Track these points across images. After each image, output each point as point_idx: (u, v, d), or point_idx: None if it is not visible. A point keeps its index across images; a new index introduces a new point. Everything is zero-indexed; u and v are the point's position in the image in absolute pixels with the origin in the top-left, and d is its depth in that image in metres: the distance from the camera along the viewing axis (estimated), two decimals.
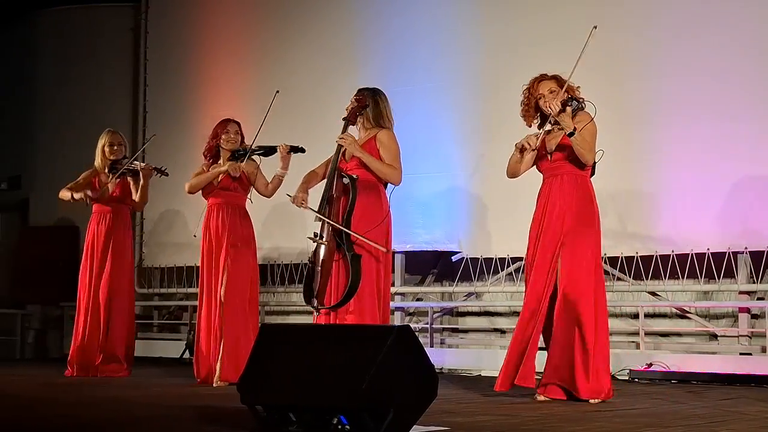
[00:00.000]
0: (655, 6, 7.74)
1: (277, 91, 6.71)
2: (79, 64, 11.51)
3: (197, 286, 7.25)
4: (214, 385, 6.80)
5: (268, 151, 6.91)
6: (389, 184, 6.21)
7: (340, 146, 6.08)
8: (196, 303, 7.26)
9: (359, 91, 6.28)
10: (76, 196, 7.76)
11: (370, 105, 6.19)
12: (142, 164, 7.69)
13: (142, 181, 7.68)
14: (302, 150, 6.69)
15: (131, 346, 7.84)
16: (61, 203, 8.02)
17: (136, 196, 7.76)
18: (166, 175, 7.69)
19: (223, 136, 7.07)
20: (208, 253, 7.07)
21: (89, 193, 7.75)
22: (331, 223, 5.92)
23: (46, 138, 11.43)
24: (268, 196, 7.09)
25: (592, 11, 8.05)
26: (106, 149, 7.83)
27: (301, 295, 6.20)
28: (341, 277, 5.96)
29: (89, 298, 7.72)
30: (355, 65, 9.18)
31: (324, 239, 5.98)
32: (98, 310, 7.66)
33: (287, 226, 9.13)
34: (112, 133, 7.91)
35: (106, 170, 7.82)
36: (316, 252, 6.02)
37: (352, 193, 5.97)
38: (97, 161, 7.89)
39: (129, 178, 7.78)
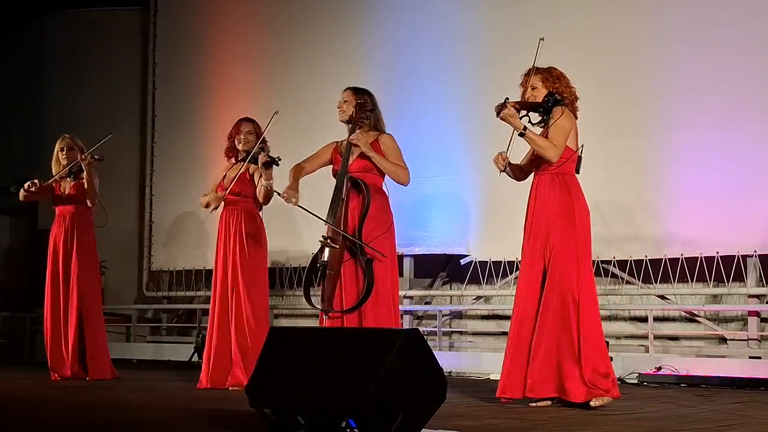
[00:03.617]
0: (664, 12, 7.72)
1: (276, 112, 6.72)
2: (88, 67, 11.53)
3: (207, 290, 7.26)
4: (229, 388, 6.81)
5: (269, 163, 6.89)
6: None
7: (349, 146, 6.07)
8: (205, 306, 7.26)
9: (356, 91, 6.26)
10: (25, 185, 7.69)
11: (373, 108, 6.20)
12: (81, 156, 7.65)
13: (85, 174, 7.62)
14: (275, 163, 6.63)
15: (106, 347, 7.80)
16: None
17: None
18: (102, 160, 7.70)
19: (236, 137, 7.10)
20: (218, 258, 7.12)
21: (36, 181, 7.68)
22: (338, 230, 5.92)
23: (55, 141, 11.44)
24: (262, 203, 7.10)
25: (600, 17, 8.06)
26: (60, 155, 7.83)
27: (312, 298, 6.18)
28: (351, 281, 5.95)
29: (59, 303, 7.67)
30: (363, 69, 9.17)
31: (336, 243, 5.97)
32: (71, 315, 7.61)
33: (296, 229, 9.14)
34: (62, 139, 7.86)
35: (64, 176, 7.80)
36: (326, 255, 5.99)
37: (366, 198, 5.98)
38: (54, 168, 7.86)
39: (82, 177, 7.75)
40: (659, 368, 7.30)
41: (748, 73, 7.35)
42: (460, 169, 8.61)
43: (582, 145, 5.53)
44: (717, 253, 7.36)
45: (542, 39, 5.56)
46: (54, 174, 7.82)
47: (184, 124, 10.65)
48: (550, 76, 5.66)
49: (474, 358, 8.46)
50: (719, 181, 7.38)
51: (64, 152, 7.81)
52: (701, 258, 7.43)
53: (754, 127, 7.29)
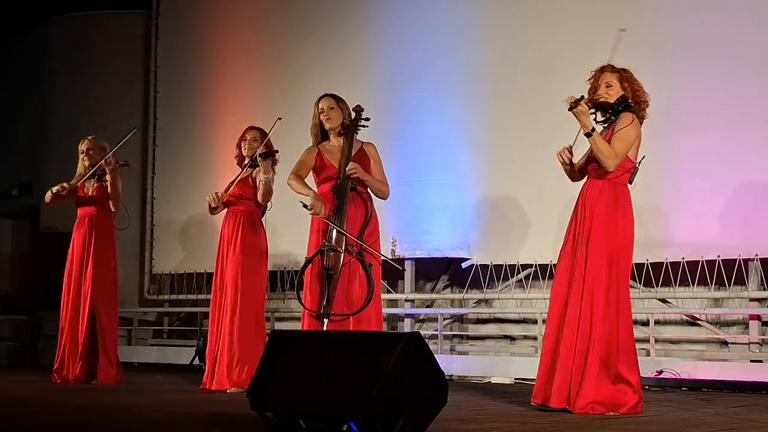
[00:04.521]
0: (666, 18, 7.72)
1: (279, 118, 6.77)
2: (90, 71, 11.53)
3: (208, 293, 7.28)
4: (228, 391, 6.83)
5: (265, 155, 6.99)
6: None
7: (348, 155, 6.13)
8: (206, 309, 7.27)
9: (338, 98, 6.30)
10: (54, 189, 7.64)
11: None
12: (105, 160, 7.62)
13: (109, 179, 7.61)
14: (271, 155, 6.77)
15: (116, 352, 7.76)
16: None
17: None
18: (127, 165, 7.71)
19: (242, 144, 7.20)
20: (218, 261, 7.18)
21: (65, 185, 7.64)
22: (353, 237, 5.99)
23: (57, 144, 11.44)
24: (261, 202, 7.13)
25: (603, 23, 8.04)
26: (81, 157, 7.82)
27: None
28: (352, 285, 6.03)
29: (72, 304, 7.63)
30: (366, 74, 9.19)
31: (339, 249, 6.03)
32: (83, 317, 7.57)
33: (298, 232, 9.13)
34: (84, 141, 7.85)
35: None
36: (331, 260, 6.04)
37: (371, 207, 6.14)
38: (78, 167, 7.85)
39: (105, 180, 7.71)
40: (660, 372, 7.30)
41: (749, 77, 7.35)
42: (463, 173, 8.61)
43: (643, 156, 5.39)
44: (718, 256, 7.36)
45: (623, 30, 5.37)
46: (77, 175, 7.80)
47: (185, 128, 10.65)
48: (627, 76, 5.46)
49: (475, 361, 8.46)
50: (720, 184, 7.38)
51: (84, 153, 7.79)
52: (702, 261, 7.43)
53: (755, 131, 7.29)
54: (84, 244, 7.68)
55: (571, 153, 5.50)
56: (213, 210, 7.24)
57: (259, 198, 7.06)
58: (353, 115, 6.25)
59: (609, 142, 5.36)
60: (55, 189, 7.66)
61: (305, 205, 6.08)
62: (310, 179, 6.40)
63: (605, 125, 5.48)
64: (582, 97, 5.34)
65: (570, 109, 5.29)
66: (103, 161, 7.59)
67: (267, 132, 7.05)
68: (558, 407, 5.29)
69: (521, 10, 8.51)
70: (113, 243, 7.78)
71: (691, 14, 7.63)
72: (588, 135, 5.30)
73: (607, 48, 7.92)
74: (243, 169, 7.10)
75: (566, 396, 5.29)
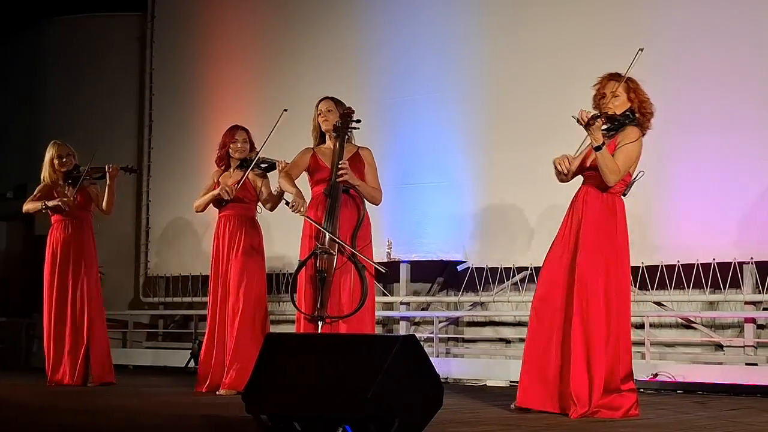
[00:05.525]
0: (660, 18, 7.73)
1: (285, 110, 6.73)
2: (86, 73, 11.53)
3: (203, 295, 7.25)
4: (222, 393, 6.80)
5: (269, 167, 6.94)
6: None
7: (340, 156, 6.10)
8: (201, 312, 7.25)
9: (337, 101, 6.31)
10: (51, 203, 7.55)
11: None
12: (109, 166, 7.55)
13: (108, 182, 7.53)
14: (273, 167, 6.69)
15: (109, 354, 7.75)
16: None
17: (103, 201, 7.60)
18: (135, 172, 7.64)
19: (231, 145, 7.10)
20: (216, 264, 7.11)
21: (64, 198, 7.53)
22: (340, 242, 6.00)
23: None
24: (270, 210, 7.12)
25: (597, 24, 8.06)
26: (56, 162, 7.65)
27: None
28: (344, 288, 6.03)
29: (62, 309, 7.56)
30: (361, 75, 9.19)
31: (332, 251, 6.04)
32: (80, 321, 7.52)
33: (292, 234, 9.11)
34: (59, 145, 7.72)
35: (61, 182, 7.66)
36: (324, 263, 6.05)
37: (362, 211, 6.15)
38: (46, 174, 7.70)
39: (89, 185, 7.67)
40: (656, 375, 7.30)
41: (745, 79, 7.36)
42: (457, 175, 8.61)
43: (642, 172, 5.41)
44: (713, 259, 7.37)
45: (641, 50, 5.35)
46: (47, 180, 7.69)
47: (180, 130, 10.64)
48: (633, 87, 5.44)
49: (470, 364, 8.46)
50: (716, 187, 7.39)
51: (63, 159, 7.68)
52: (698, 264, 7.44)
53: (750, 134, 7.30)
54: (67, 249, 7.61)
55: (571, 162, 5.48)
56: (206, 207, 7.16)
57: (269, 207, 7.04)
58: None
59: (612, 155, 5.33)
60: (52, 203, 7.56)
61: (287, 202, 6.09)
62: (303, 181, 6.39)
63: (607, 134, 5.44)
64: (601, 113, 5.31)
65: (586, 126, 5.25)
66: (106, 167, 7.54)
67: (272, 128, 6.89)
68: (553, 411, 5.30)
69: (517, 10, 8.51)
70: (95, 245, 7.75)
71: (689, 15, 7.63)
72: (597, 149, 5.27)
73: (604, 49, 7.98)
74: (248, 170, 6.97)
75: (561, 400, 5.30)
